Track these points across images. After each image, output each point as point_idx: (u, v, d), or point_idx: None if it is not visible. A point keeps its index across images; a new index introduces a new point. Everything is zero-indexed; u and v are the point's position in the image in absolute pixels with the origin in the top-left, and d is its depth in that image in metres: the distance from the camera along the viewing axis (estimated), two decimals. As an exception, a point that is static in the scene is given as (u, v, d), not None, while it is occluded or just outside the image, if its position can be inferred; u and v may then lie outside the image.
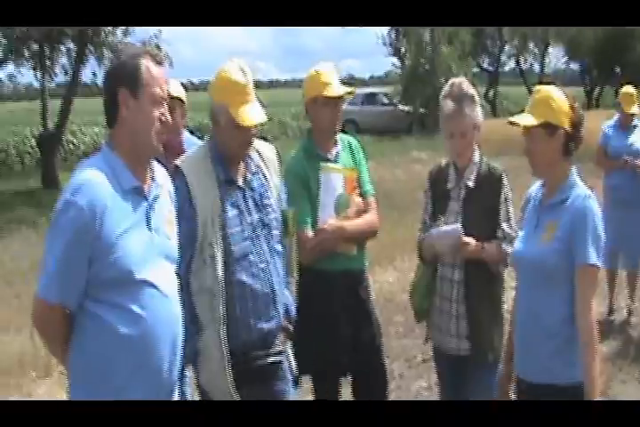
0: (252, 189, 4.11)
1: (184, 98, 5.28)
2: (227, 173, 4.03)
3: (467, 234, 4.33)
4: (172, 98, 4.26)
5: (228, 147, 4.03)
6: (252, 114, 3.94)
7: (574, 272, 3.65)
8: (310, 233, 4.65)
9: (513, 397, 4.12)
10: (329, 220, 4.65)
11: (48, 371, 7.13)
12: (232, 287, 3.96)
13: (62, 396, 5.89)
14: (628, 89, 8.68)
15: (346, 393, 5.16)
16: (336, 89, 4.72)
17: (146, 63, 3.24)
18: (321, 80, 4.72)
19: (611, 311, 8.69)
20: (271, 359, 4.17)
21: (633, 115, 8.56)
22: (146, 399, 3.21)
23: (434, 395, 5.94)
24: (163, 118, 3.28)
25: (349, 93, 4.82)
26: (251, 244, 4.04)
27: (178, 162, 4.03)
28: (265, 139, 4.36)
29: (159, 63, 3.30)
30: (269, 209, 4.16)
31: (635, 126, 8.59)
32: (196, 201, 3.91)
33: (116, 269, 3.13)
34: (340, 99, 4.77)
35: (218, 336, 3.93)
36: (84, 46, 23.19)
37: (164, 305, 3.27)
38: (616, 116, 8.75)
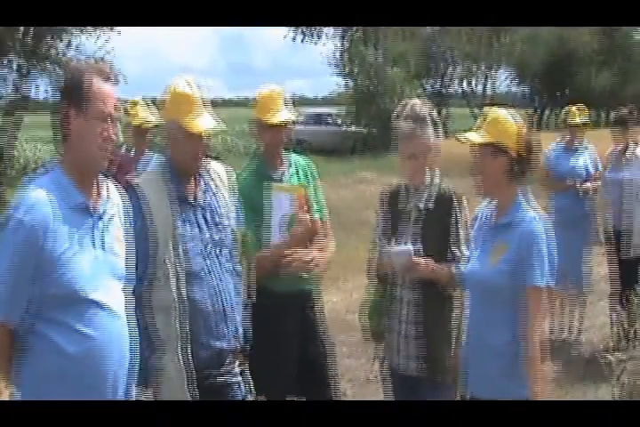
0: (203, 208, 4.09)
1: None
2: (180, 190, 4.01)
3: (419, 255, 4.32)
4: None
5: (182, 160, 4.02)
6: (200, 121, 3.95)
7: (522, 294, 3.66)
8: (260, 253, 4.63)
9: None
10: (275, 240, 4.63)
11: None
12: (184, 305, 3.92)
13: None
14: (574, 107, 8.84)
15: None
16: (275, 116, 4.75)
17: (91, 78, 3.20)
18: (264, 105, 4.77)
19: (557, 331, 8.75)
20: (225, 378, 4.14)
21: (581, 133, 8.68)
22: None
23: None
24: (106, 134, 3.24)
25: (290, 120, 4.84)
26: (203, 261, 4.01)
27: (130, 178, 4.02)
28: (216, 158, 4.34)
29: (107, 78, 3.26)
30: (221, 227, 4.13)
31: (577, 149, 8.69)
32: (149, 218, 3.88)
33: (61, 287, 3.09)
34: (280, 125, 4.79)
35: (175, 355, 3.89)
36: (28, 60, 22.97)
37: (109, 324, 3.23)
38: (558, 139, 8.84)
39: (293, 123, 4.90)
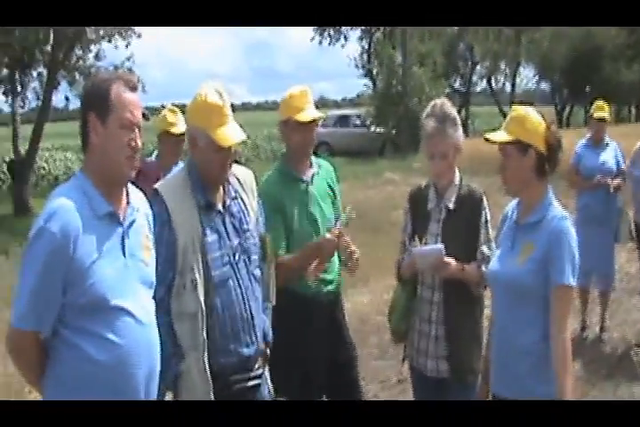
0: (231, 215, 4.07)
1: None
2: (206, 197, 3.99)
3: (447, 255, 4.32)
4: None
5: (209, 170, 3.99)
6: (231, 134, 3.92)
7: (549, 292, 3.67)
8: (284, 257, 4.64)
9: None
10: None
11: (21, 398, 7.03)
12: (211, 312, 3.91)
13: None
14: (600, 101, 8.84)
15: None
16: (307, 114, 4.72)
17: (116, 88, 3.21)
18: (294, 104, 4.73)
19: (583, 329, 8.73)
20: (250, 383, 4.13)
21: (603, 129, 8.68)
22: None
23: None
24: (133, 144, 3.25)
25: (320, 118, 4.83)
26: (230, 269, 3.99)
27: (157, 186, 3.99)
28: (240, 163, 4.33)
29: (132, 88, 3.27)
30: (248, 234, 4.12)
31: (606, 145, 8.67)
32: (175, 226, 3.86)
33: (91, 296, 3.10)
34: (311, 123, 4.77)
35: (200, 362, 3.88)
36: (55, 71, 23.14)
37: (139, 332, 3.24)
38: (588, 135, 8.83)
39: (322, 121, 4.88)
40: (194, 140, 3.98)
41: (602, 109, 8.69)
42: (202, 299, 3.86)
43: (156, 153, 6.44)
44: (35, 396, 6.47)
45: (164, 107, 6.50)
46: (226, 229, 4.03)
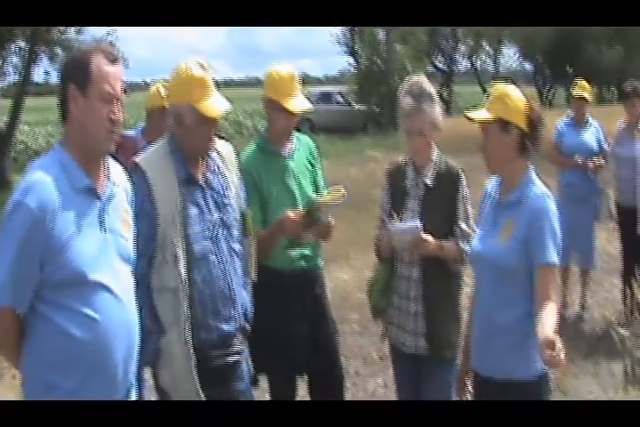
0: (212, 189, 4.05)
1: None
2: (187, 171, 3.96)
3: (424, 232, 4.32)
4: None
5: (194, 144, 3.97)
6: (216, 105, 3.91)
7: (532, 271, 3.68)
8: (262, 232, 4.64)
9: (470, 391, 4.15)
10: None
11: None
12: (191, 287, 3.90)
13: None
14: (581, 81, 8.90)
15: (302, 392, 5.16)
16: (296, 104, 4.69)
17: (97, 60, 3.16)
18: (282, 88, 4.69)
19: (564, 307, 8.76)
20: (230, 359, 4.13)
21: (583, 107, 8.73)
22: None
23: (390, 393, 5.94)
24: (113, 117, 3.20)
25: (308, 110, 4.82)
26: (210, 243, 3.98)
27: (137, 159, 3.96)
28: (223, 138, 4.31)
29: (113, 61, 3.22)
30: (229, 208, 4.10)
31: (588, 124, 8.70)
32: (155, 199, 3.84)
33: (68, 271, 3.07)
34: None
35: (181, 337, 3.87)
36: (35, 45, 22.95)
37: (117, 308, 3.21)
38: (569, 114, 8.86)
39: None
40: (179, 116, 3.94)
41: (582, 88, 8.73)
42: (183, 273, 3.85)
43: (141, 127, 6.41)
44: (13, 373, 6.46)
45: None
46: (206, 203, 4.01)
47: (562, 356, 3.23)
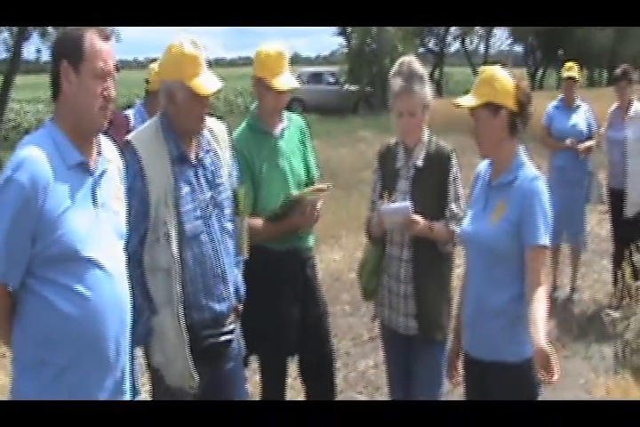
0: (204, 167, 4.03)
1: None
2: (179, 149, 3.95)
3: (415, 213, 4.32)
4: None
5: (186, 122, 3.95)
6: (208, 82, 3.90)
7: (523, 252, 3.68)
8: (259, 220, 4.67)
9: (461, 372, 4.16)
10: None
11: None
12: (183, 267, 3.90)
13: (2, 378, 5.80)
14: (570, 62, 8.97)
15: (293, 373, 5.17)
16: (284, 82, 4.68)
17: (90, 37, 3.15)
18: (270, 66, 4.68)
19: (554, 289, 8.80)
20: (221, 339, 4.12)
21: (572, 88, 8.77)
22: (90, 381, 3.19)
23: (381, 373, 5.96)
24: (106, 94, 3.19)
25: (296, 88, 4.80)
26: (202, 223, 3.97)
27: (129, 137, 3.95)
28: (217, 116, 4.29)
29: (105, 38, 3.21)
30: (221, 188, 4.09)
31: (578, 106, 8.71)
32: (148, 177, 3.82)
33: (60, 247, 3.07)
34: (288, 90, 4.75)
35: (174, 316, 3.87)
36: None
37: (109, 284, 3.21)
38: (559, 97, 8.88)
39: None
40: (171, 93, 3.92)
41: (571, 69, 8.76)
42: (175, 253, 3.85)
43: (138, 105, 6.40)
44: (2, 351, 6.45)
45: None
46: (198, 181, 3.99)
47: (556, 372, 3.30)
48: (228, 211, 4.13)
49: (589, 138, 8.56)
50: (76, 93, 3.16)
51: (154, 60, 6.19)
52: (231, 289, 4.13)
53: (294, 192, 4.72)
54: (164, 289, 3.87)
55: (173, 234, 3.85)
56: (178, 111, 3.94)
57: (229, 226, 4.14)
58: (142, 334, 3.85)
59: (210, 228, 4.01)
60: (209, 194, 4.03)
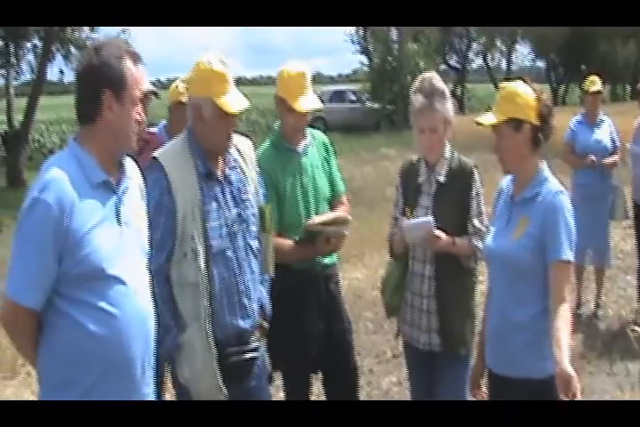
0: (230, 184, 4.05)
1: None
2: (206, 166, 3.96)
3: (437, 228, 4.31)
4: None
5: (212, 139, 3.97)
6: (236, 101, 3.92)
7: (547, 268, 3.67)
8: (286, 240, 4.68)
9: (484, 390, 4.14)
10: None
11: (14, 372, 7.04)
12: (208, 283, 3.91)
13: (29, 397, 5.83)
14: (593, 76, 8.86)
15: (316, 390, 5.16)
16: (304, 104, 4.67)
17: (129, 65, 3.19)
18: (291, 87, 4.69)
19: (578, 305, 8.74)
20: (246, 356, 4.12)
21: (597, 102, 8.69)
22: (118, 399, 3.18)
23: (404, 390, 5.94)
24: (139, 118, 3.26)
25: (317, 109, 4.81)
26: (228, 239, 3.99)
27: (156, 154, 3.97)
28: (243, 134, 4.31)
29: (138, 61, 3.25)
30: (247, 204, 4.11)
31: (601, 121, 8.65)
32: (175, 193, 3.84)
33: (86, 266, 3.08)
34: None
35: (202, 331, 3.87)
36: (50, 43, 23.01)
37: (134, 302, 3.22)
38: (582, 111, 8.81)
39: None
40: (198, 110, 3.95)
41: (594, 83, 8.67)
42: (203, 268, 3.86)
43: (163, 124, 6.44)
44: (28, 369, 6.49)
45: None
46: (225, 198, 4.01)
47: (578, 394, 3.29)
48: (253, 228, 4.14)
49: (613, 153, 8.50)
50: (117, 121, 3.20)
51: (173, 81, 6.21)
52: (255, 306, 4.13)
53: (316, 220, 4.70)
54: (193, 304, 3.88)
55: (201, 250, 3.86)
56: (205, 128, 3.96)
57: (254, 243, 4.15)
58: (170, 351, 3.87)
59: (235, 244, 4.02)
60: (235, 211, 4.04)
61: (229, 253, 3.99)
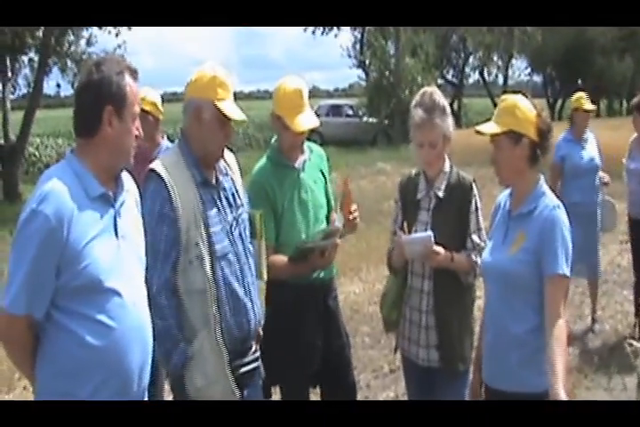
0: (224, 190, 4.09)
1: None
2: (202, 174, 3.98)
3: (436, 244, 4.31)
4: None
5: (209, 145, 3.99)
6: (236, 110, 3.95)
7: (543, 282, 3.66)
8: (281, 257, 4.65)
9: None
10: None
11: (11, 386, 7.03)
12: (216, 287, 3.92)
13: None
14: (581, 93, 8.78)
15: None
16: (301, 124, 4.62)
17: (129, 81, 3.23)
18: (287, 104, 4.64)
19: (573, 321, 8.72)
20: (246, 368, 4.14)
21: (588, 120, 8.63)
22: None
23: (402, 406, 5.92)
24: (137, 133, 3.30)
25: (314, 127, 4.77)
26: (229, 243, 4.01)
27: (152, 166, 3.97)
28: (227, 147, 4.31)
29: (136, 78, 3.29)
30: (241, 209, 4.16)
31: (587, 138, 8.55)
32: (177, 202, 3.85)
33: (84, 278, 3.09)
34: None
35: (212, 337, 3.88)
36: (46, 57, 23.01)
37: (131, 314, 3.23)
38: (569, 129, 8.65)
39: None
40: (198, 111, 3.96)
41: (587, 101, 8.58)
42: (209, 274, 3.88)
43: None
44: (25, 384, 6.48)
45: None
46: (222, 203, 4.05)
47: None
48: (248, 232, 4.19)
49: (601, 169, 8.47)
50: (117, 136, 3.23)
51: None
52: (257, 309, 4.15)
53: (307, 240, 4.67)
54: (201, 311, 3.89)
55: (206, 255, 3.88)
56: (202, 131, 3.98)
57: (251, 247, 4.20)
58: (180, 366, 3.87)
59: (236, 248, 4.05)
60: (231, 215, 4.08)
61: (231, 256, 4.02)
